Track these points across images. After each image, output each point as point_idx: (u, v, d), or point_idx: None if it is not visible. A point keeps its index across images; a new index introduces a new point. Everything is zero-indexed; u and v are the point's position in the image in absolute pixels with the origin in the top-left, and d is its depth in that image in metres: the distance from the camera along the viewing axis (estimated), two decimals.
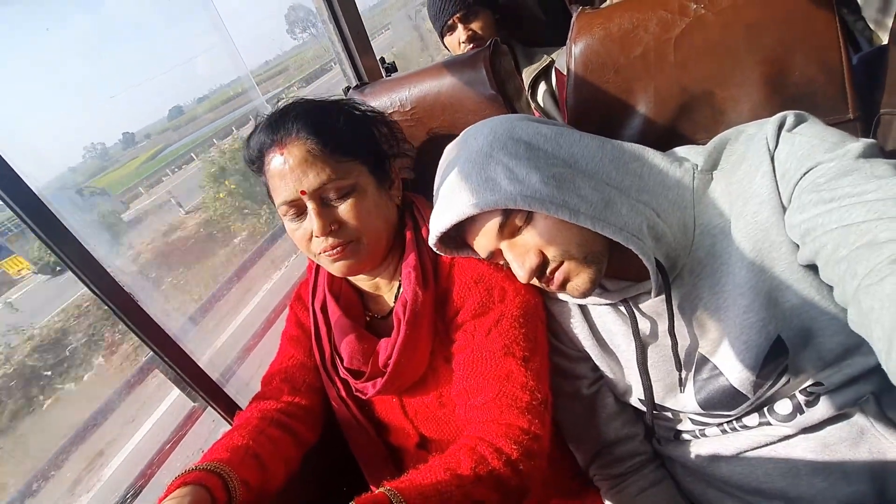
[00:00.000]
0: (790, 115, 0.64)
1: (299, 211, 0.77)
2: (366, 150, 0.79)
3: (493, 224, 0.67)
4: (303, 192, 0.74)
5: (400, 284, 0.83)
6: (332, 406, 0.91)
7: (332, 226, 0.75)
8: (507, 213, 0.66)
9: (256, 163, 0.79)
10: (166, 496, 0.64)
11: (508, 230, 0.67)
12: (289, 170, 0.74)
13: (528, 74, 1.60)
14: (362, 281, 0.89)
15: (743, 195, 0.65)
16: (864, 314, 0.50)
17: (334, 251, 0.76)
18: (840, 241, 0.54)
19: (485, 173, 0.65)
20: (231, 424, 0.94)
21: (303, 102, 0.80)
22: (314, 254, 0.79)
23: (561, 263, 0.66)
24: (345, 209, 0.76)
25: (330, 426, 0.93)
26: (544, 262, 0.66)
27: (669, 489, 0.84)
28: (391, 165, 0.85)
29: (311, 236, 0.77)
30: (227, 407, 1.00)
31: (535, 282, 0.70)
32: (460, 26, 1.57)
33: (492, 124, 0.71)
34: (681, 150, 0.74)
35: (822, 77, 0.75)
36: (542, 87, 1.60)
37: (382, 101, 1.04)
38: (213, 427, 1.04)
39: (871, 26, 1.26)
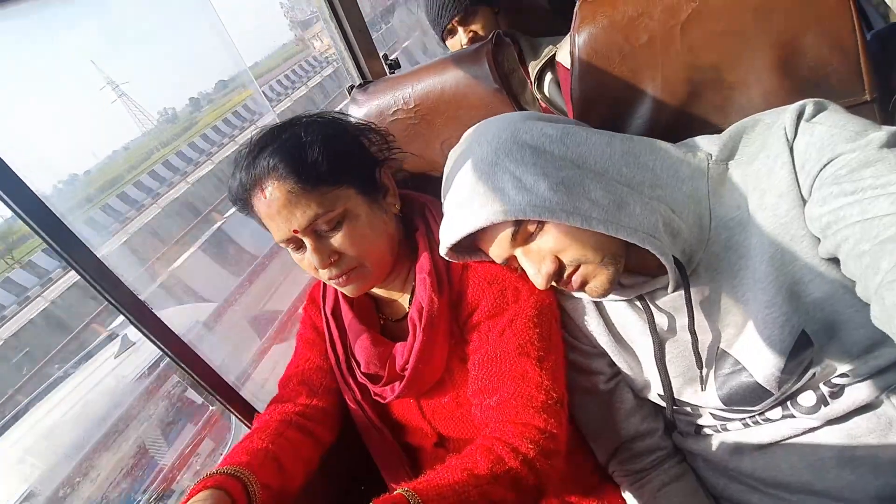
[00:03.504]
0: (809, 104, 0.62)
1: (298, 244, 0.76)
2: (350, 173, 0.76)
3: (506, 234, 0.66)
4: (295, 231, 0.73)
5: (414, 288, 0.83)
6: (349, 408, 0.91)
7: (331, 257, 0.75)
8: (519, 223, 0.65)
9: (241, 203, 0.77)
10: (188, 500, 0.65)
11: (521, 238, 0.66)
12: (275, 212, 0.72)
13: (533, 66, 1.58)
14: (375, 289, 0.89)
15: (760, 187, 0.63)
16: (888, 310, 0.49)
17: (340, 279, 0.77)
18: (862, 234, 0.53)
19: (492, 183, 0.64)
20: (249, 427, 0.95)
21: (276, 134, 0.75)
22: (324, 279, 0.79)
23: (578, 267, 0.65)
24: (340, 238, 0.74)
25: (347, 427, 0.93)
26: (560, 267, 0.66)
27: (691, 484, 0.83)
28: (382, 174, 0.82)
29: None
30: (245, 410, 1.00)
31: (552, 283, 0.69)
32: (460, 29, 1.52)
33: (495, 128, 0.70)
34: (694, 140, 0.72)
35: (835, 58, 0.73)
36: (549, 77, 1.57)
37: (386, 99, 1.03)
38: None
39: (888, 1, 1.22)
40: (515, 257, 0.69)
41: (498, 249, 0.69)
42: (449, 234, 0.69)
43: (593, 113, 0.87)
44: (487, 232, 0.68)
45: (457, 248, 0.74)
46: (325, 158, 0.73)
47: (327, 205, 0.73)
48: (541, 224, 0.65)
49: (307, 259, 0.76)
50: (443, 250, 0.72)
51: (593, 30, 0.84)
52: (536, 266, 0.66)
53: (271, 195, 0.72)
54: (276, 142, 0.74)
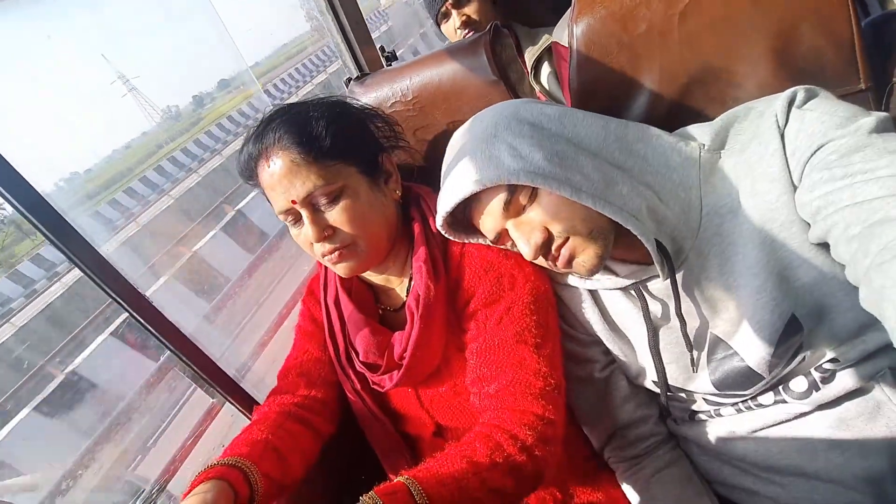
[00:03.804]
0: (800, 91, 0.63)
1: (297, 217, 0.77)
2: (353, 151, 0.78)
3: (498, 202, 0.67)
4: (293, 202, 0.74)
5: (411, 278, 0.83)
6: (348, 399, 0.92)
7: (326, 231, 0.75)
8: (512, 191, 0.66)
9: (247, 174, 0.79)
10: (190, 491, 0.66)
11: (513, 209, 0.67)
12: (277, 181, 0.74)
13: (530, 56, 1.57)
14: (372, 276, 0.89)
15: (752, 174, 0.64)
16: (876, 292, 0.50)
17: (333, 255, 0.77)
18: (852, 218, 0.53)
19: (489, 152, 0.66)
20: (249, 419, 0.96)
21: (286, 109, 0.79)
22: (318, 256, 0.80)
23: (566, 240, 0.66)
24: (336, 213, 0.75)
25: (347, 419, 0.94)
26: (549, 238, 0.66)
27: (685, 469, 0.84)
28: (385, 158, 0.83)
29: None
30: (245, 402, 1.01)
31: (542, 262, 0.70)
32: (454, 12, 1.52)
33: (497, 108, 0.72)
34: (688, 129, 0.73)
35: (831, 48, 0.73)
36: (546, 68, 1.56)
37: (383, 91, 1.03)
38: (231, 422, 1.06)
39: None
40: (507, 233, 0.70)
41: (490, 220, 0.69)
42: (444, 202, 0.70)
43: (592, 103, 0.87)
44: (481, 201, 0.69)
45: (453, 224, 0.75)
46: (329, 134, 0.75)
47: (327, 178, 0.74)
48: (532, 196, 0.66)
49: (303, 233, 0.77)
50: (438, 222, 0.73)
51: (592, 20, 0.83)
52: (526, 237, 0.67)
53: (274, 164, 0.74)
54: (285, 115, 0.77)
